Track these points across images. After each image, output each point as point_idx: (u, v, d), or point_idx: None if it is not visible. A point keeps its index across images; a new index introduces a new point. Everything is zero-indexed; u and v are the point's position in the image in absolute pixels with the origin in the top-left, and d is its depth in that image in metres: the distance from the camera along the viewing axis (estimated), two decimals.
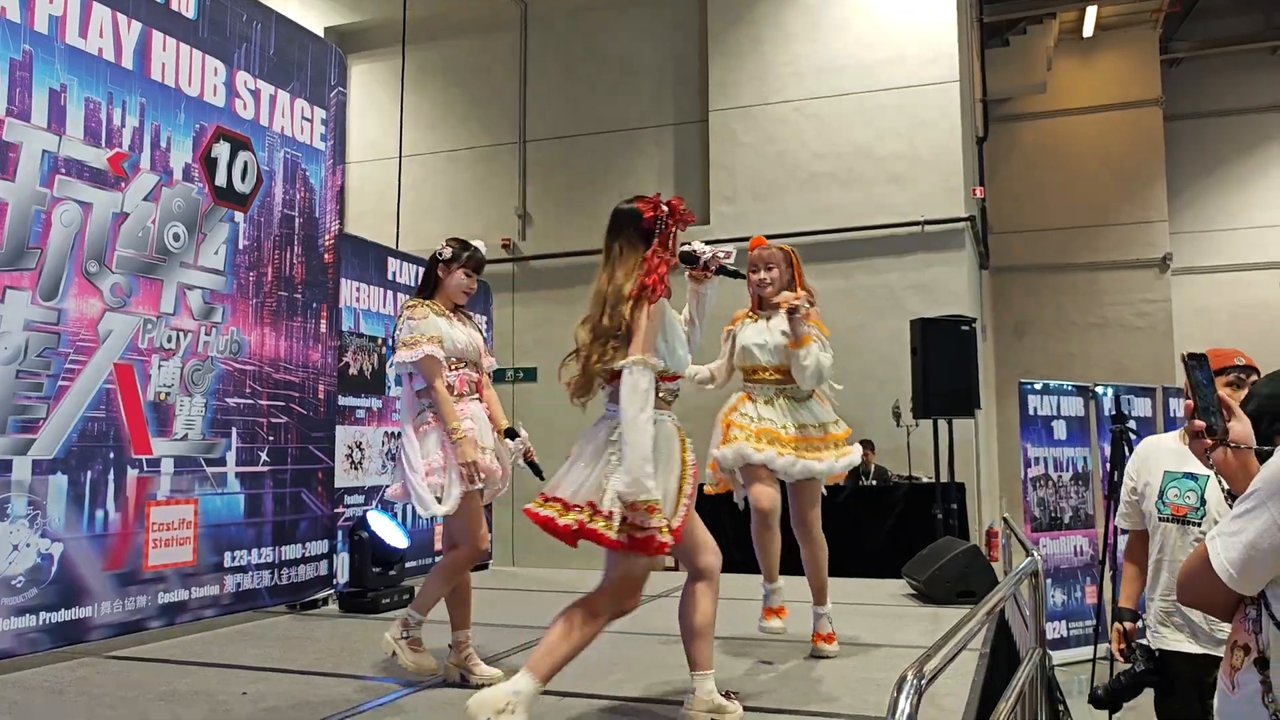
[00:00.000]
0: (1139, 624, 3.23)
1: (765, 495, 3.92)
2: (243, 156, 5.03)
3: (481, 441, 3.61)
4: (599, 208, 13.70)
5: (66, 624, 4.04)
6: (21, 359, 3.91)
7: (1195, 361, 1.70)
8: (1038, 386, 8.78)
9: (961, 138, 11.23)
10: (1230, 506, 1.66)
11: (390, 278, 6.50)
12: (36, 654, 3.95)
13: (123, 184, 4.36)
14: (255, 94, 5.13)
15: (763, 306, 4.18)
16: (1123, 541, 3.81)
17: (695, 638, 3.01)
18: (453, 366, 3.65)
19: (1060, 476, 8.61)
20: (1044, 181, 15.87)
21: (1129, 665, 3.12)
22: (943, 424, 8.12)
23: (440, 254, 3.79)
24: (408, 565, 5.92)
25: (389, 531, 5.64)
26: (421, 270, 6.79)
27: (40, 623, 3.93)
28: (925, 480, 9.19)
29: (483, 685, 3.49)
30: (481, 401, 3.75)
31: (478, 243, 3.88)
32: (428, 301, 3.72)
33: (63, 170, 4.09)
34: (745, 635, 4.38)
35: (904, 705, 1.41)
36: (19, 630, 3.85)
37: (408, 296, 6.62)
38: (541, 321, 12.36)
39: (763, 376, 4.10)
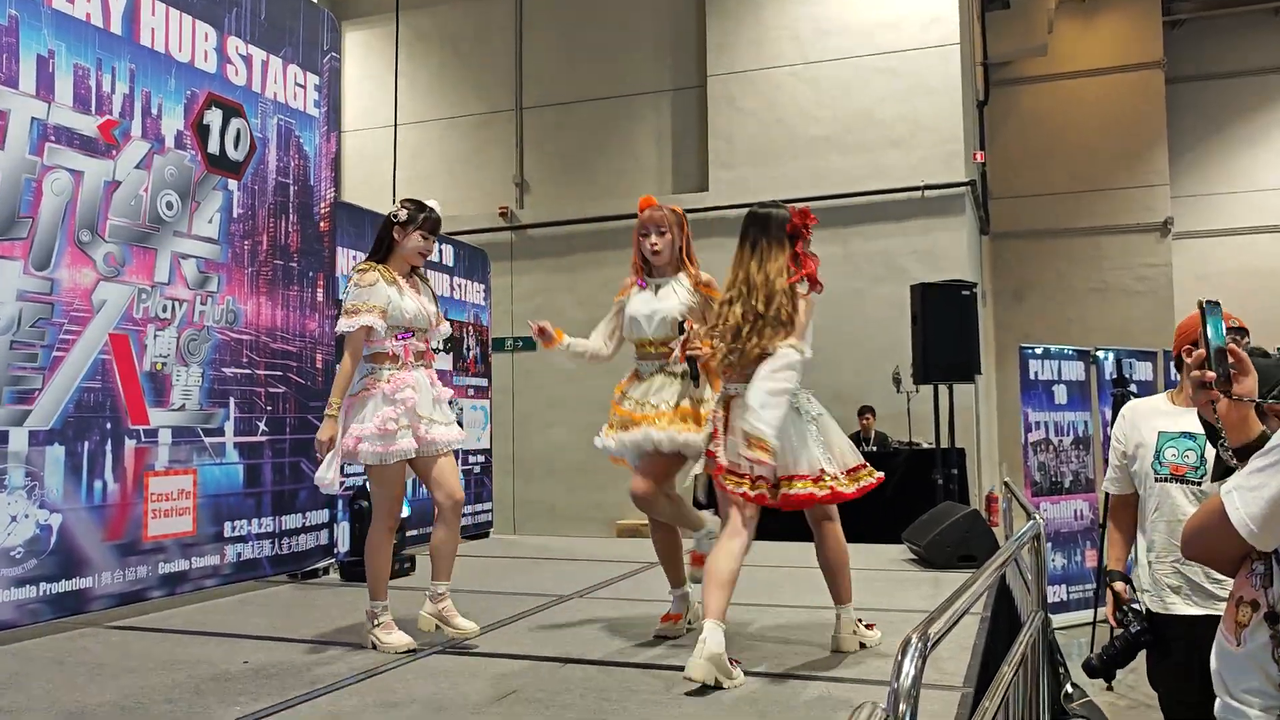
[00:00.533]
0: (1128, 587, 3.22)
1: (634, 483, 3.69)
2: (235, 123, 4.96)
3: (420, 410, 3.62)
4: (597, 175, 13.67)
5: (67, 594, 4.04)
6: (15, 329, 3.87)
7: (1212, 308, 1.66)
8: (1038, 351, 8.76)
9: (962, 101, 11.12)
10: (1227, 460, 1.65)
11: None
12: (37, 625, 3.95)
13: (114, 152, 4.31)
14: (247, 60, 5.06)
15: (651, 274, 3.84)
16: None
17: (714, 585, 3.12)
18: (398, 336, 3.64)
19: (1061, 441, 8.60)
20: (1044, 146, 15.74)
21: (1122, 629, 3.11)
22: (943, 389, 8.11)
23: (395, 216, 3.71)
24: (409, 534, 5.92)
25: None
26: None
27: (40, 593, 3.93)
28: (925, 446, 9.19)
29: (459, 636, 3.62)
30: (429, 369, 3.76)
31: (432, 203, 3.80)
32: (379, 266, 3.67)
33: (53, 138, 4.03)
34: (751, 602, 4.39)
35: (909, 668, 1.40)
36: (19, 601, 3.85)
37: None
38: (540, 290, 12.31)
39: (647, 350, 3.76)
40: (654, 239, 3.77)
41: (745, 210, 3.69)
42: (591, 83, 12.47)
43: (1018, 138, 15.79)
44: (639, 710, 2.86)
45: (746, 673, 3.14)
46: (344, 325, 3.59)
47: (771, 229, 3.43)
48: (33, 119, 3.96)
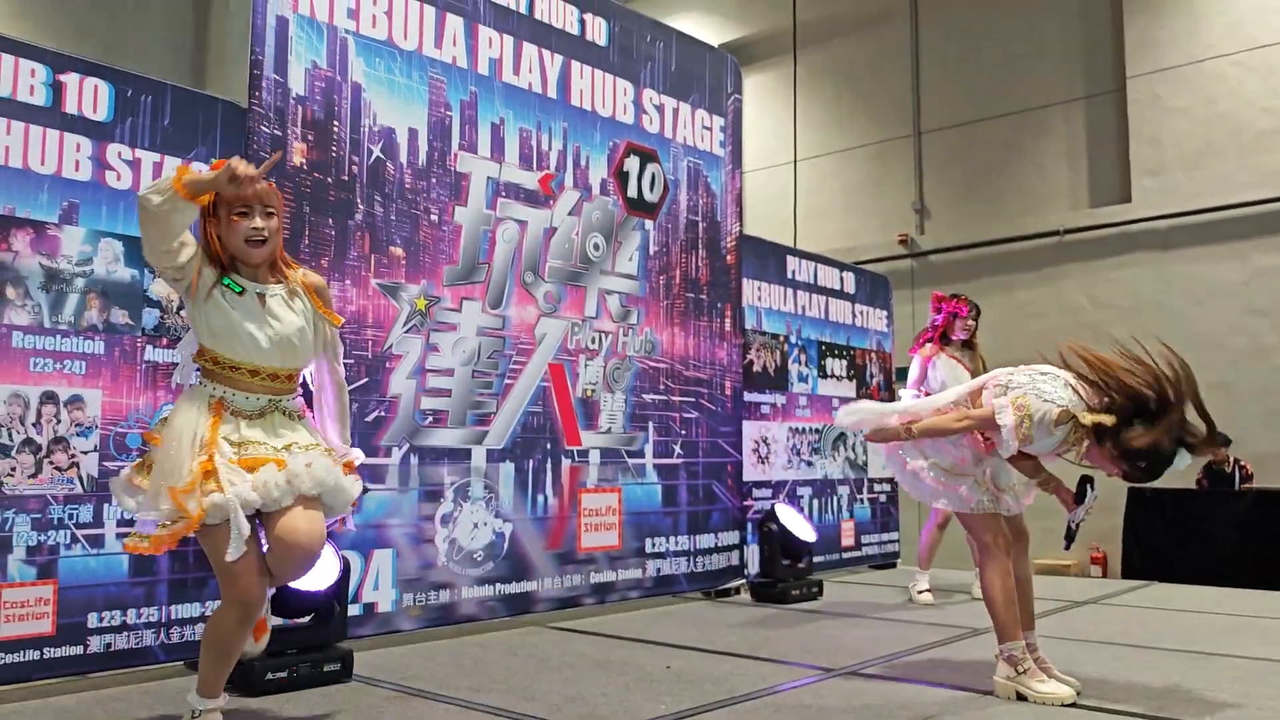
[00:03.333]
0: None
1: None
2: (651, 168, 5.37)
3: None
4: (1002, 196, 13.03)
5: (516, 595, 4.55)
6: (476, 361, 4.47)
7: None
8: None
9: None
10: None
11: (789, 276, 6.61)
12: (494, 620, 4.49)
13: (551, 202, 4.84)
14: (660, 109, 5.47)
15: (271, 271, 2.69)
16: None
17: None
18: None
19: None
20: None
21: None
22: None
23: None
24: (817, 560, 5.97)
25: (797, 524, 5.72)
26: (817, 267, 6.85)
27: (496, 593, 4.47)
28: None
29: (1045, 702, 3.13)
30: None
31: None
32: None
33: (503, 194, 4.63)
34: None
35: None
36: (481, 598, 4.40)
37: (809, 294, 6.71)
38: None
39: (249, 379, 2.62)
40: (259, 221, 2.61)
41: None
42: (993, 99, 11.93)
43: None
44: None
45: None
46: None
47: None
48: (488, 178, 4.57)
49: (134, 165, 3.54)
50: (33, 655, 3.19)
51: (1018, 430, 3.09)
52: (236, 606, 2.53)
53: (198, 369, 2.66)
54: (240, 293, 2.60)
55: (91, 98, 3.46)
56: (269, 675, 3.27)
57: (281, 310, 2.65)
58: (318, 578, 3.37)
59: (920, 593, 5.46)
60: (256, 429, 2.61)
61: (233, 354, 2.59)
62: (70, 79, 3.41)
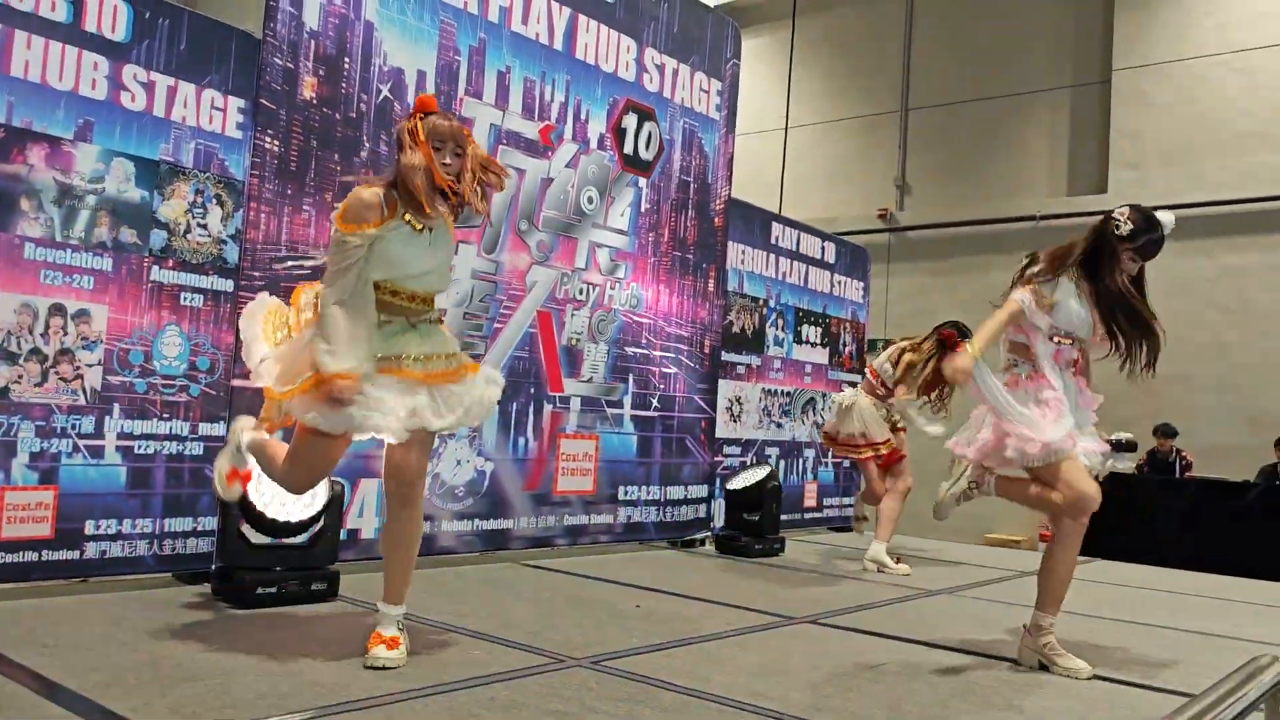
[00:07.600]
0: None
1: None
2: (647, 126, 5.48)
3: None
4: (983, 177, 13.19)
5: (494, 532, 4.72)
6: (468, 303, 4.59)
7: None
8: None
9: None
10: None
11: (773, 242, 6.75)
12: (470, 554, 4.65)
13: (549, 153, 4.94)
14: (660, 68, 5.56)
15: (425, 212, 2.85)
16: None
17: None
18: (1057, 340, 3.26)
19: None
20: None
21: None
22: None
23: (1117, 226, 3.19)
24: (782, 518, 6.18)
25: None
26: (800, 235, 6.98)
27: (474, 528, 4.63)
28: None
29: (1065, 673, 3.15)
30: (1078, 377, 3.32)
31: (1167, 218, 3.27)
32: (1071, 266, 3.23)
33: (505, 141, 4.72)
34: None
35: None
36: (459, 532, 4.56)
37: (790, 261, 6.84)
38: (917, 292, 12.14)
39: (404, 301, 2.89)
40: (449, 160, 2.84)
41: None
42: (982, 82, 12.09)
43: None
44: (1012, 696, 2.87)
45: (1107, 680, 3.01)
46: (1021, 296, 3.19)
47: None
48: (491, 125, 4.66)
49: (148, 88, 3.60)
50: (32, 556, 3.32)
51: (1036, 298, 3.18)
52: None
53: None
54: (420, 230, 2.83)
55: (110, 17, 3.51)
56: (260, 590, 3.42)
57: (439, 238, 2.92)
58: (311, 502, 3.52)
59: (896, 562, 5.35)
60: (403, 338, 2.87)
61: (391, 281, 2.84)
62: None
